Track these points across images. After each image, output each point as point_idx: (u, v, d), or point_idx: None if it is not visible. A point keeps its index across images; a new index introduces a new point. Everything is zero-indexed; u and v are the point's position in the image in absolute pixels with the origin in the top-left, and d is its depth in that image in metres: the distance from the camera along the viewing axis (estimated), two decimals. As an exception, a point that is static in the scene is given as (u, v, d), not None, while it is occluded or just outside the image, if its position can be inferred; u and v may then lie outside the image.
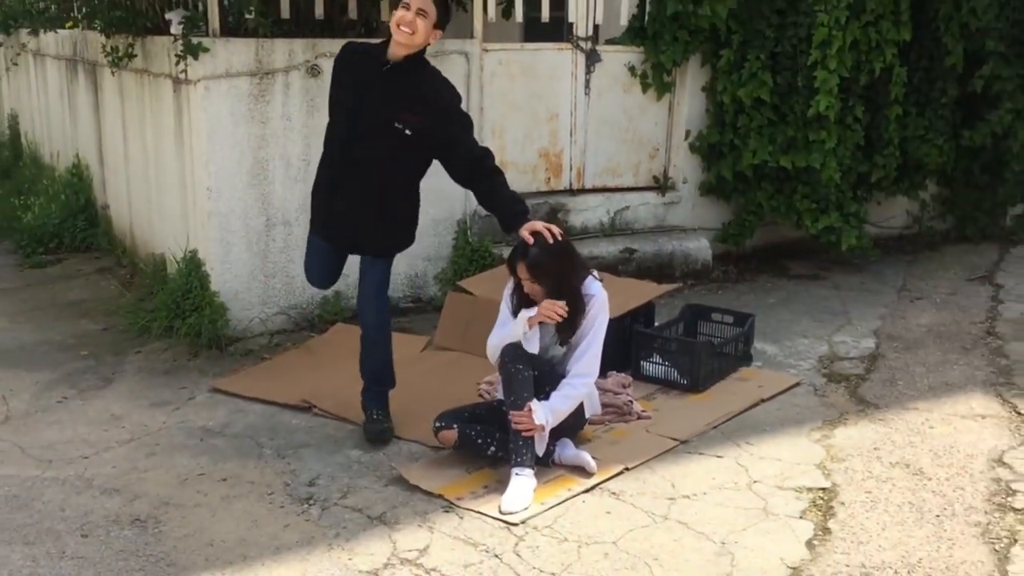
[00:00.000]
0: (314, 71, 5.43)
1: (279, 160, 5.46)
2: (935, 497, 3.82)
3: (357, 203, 4.10)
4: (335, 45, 5.44)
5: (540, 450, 3.90)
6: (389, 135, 4.00)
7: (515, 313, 4.07)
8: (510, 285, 4.14)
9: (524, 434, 3.83)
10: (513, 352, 3.92)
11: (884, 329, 5.85)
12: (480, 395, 4.70)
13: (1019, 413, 4.61)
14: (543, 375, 3.97)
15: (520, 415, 3.82)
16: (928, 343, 5.61)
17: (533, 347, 3.95)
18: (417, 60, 4.02)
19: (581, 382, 3.99)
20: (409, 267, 6.01)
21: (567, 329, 4.01)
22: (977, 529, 3.58)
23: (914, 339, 5.67)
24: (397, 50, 3.94)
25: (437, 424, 4.02)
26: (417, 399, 4.64)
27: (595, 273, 4.15)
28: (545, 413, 3.84)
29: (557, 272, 3.97)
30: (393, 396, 4.62)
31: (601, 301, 4.06)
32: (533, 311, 3.94)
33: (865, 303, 6.35)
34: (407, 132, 3.99)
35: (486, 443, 3.97)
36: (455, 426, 3.99)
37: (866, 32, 6.51)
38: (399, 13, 3.90)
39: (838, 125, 6.54)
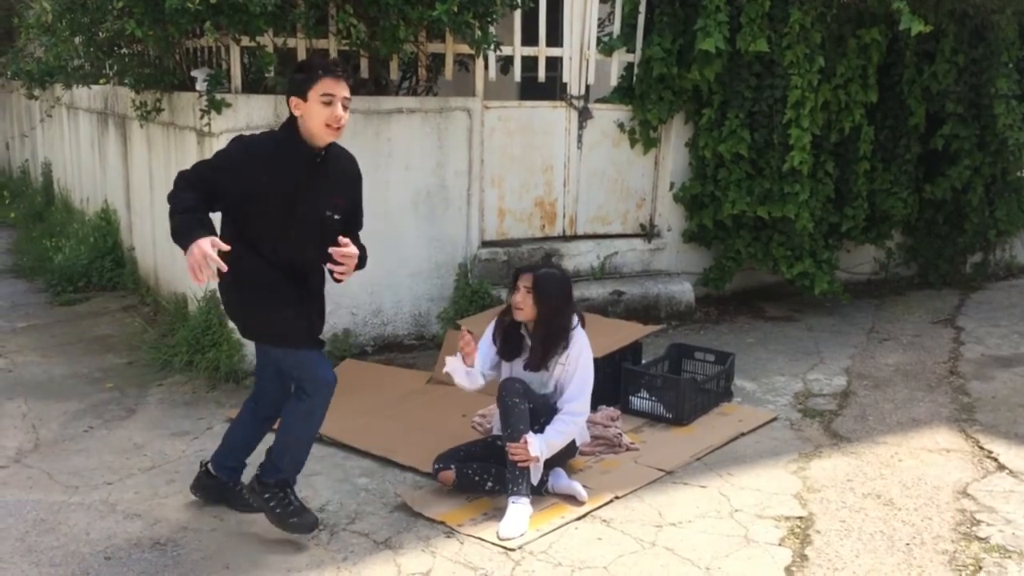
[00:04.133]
0: (328, 125, 5.45)
1: (294, 207, 5.46)
2: (905, 526, 3.79)
3: (310, 296, 3.61)
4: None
5: (535, 479, 3.87)
6: (321, 226, 3.50)
7: (501, 352, 4.06)
8: (493, 325, 4.14)
9: (520, 465, 3.81)
10: (511, 387, 3.90)
11: (855, 368, 5.84)
12: (474, 427, 4.68)
13: (981, 447, 4.59)
14: (538, 408, 3.95)
15: (517, 447, 3.80)
16: (896, 381, 5.60)
17: (476, 382, 3.99)
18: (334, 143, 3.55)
19: (572, 419, 3.97)
20: (413, 307, 6.01)
21: (539, 358, 3.99)
22: (944, 557, 3.56)
23: (883, 377, 5.66)
24: (326, 139, 3.41)
25: (436, 466, 4.00)
26: (418, 429, 4.64)
27: (577, 318, 4.11)
28: (540, 445, 3.82)
29: (557, 298, 3.96)
30: (396, 426, 4.59)
31: (582, 343, 4.04)
32: (457, 357, 3.94)
33: (837, 343, 6.35)
34: (336, 217, 3.54)
35: (483, 479, 3.94)
36: (452, 467, 3.97)
37: (836, 94, 6.59)
38: (331, 112, 3.34)
39: (811, 179, 6.58)
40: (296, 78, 3.44)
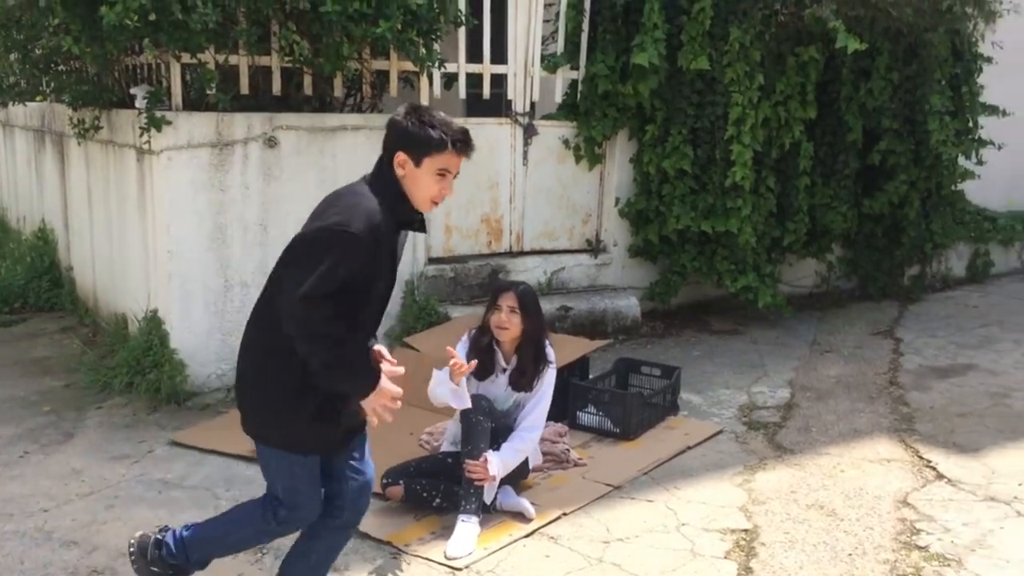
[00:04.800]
0: (271, 142, 5.41)
1: (237, 225, 5.41)
2: (847, 537, 3.85)
3: None
4: (292, 119, 5.50)
5: (488, 498, 3.87)
6: None
7: (476, 372, 4.05)
8: (465, 339, 4.13)
9: (476, 483, 3.79)
10: (477, 404, 3.91)
11: (798, 380, 5.93)
12: (421, 445, 4.65)
13: (921, 457, 4.68)
14: (498, 427, 3.97)
15: (475, 465, 3.79)
16: (838, 393, 5.69)
17: (464, 402, 3.91)
18: None
19: (530, 436, 4.01)
20: (360, 325, 5.95)
21: (523, 381, 4.02)
22: (886, 566, 3.61)
23: (825, 389, 5.75)
24: (423, 210, 2.92)
25: (384, 480, 3.97)
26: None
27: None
28: (498, 464, 3.82)
29: (536, 315, 4.04)
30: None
31: (554, 365, 4.13)
32: (444, 372, 3.84)
33: (780, 356, 6.43)
34: None
35: (431, 496, 3.92)
36: (401, 482, 3.95)
37: (776, 111, 6.70)
38: (441, 188, 2.88)
39: (753, 194, 6.68)
40: (414, 133, 2.81)
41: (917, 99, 7.24)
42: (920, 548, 3.75)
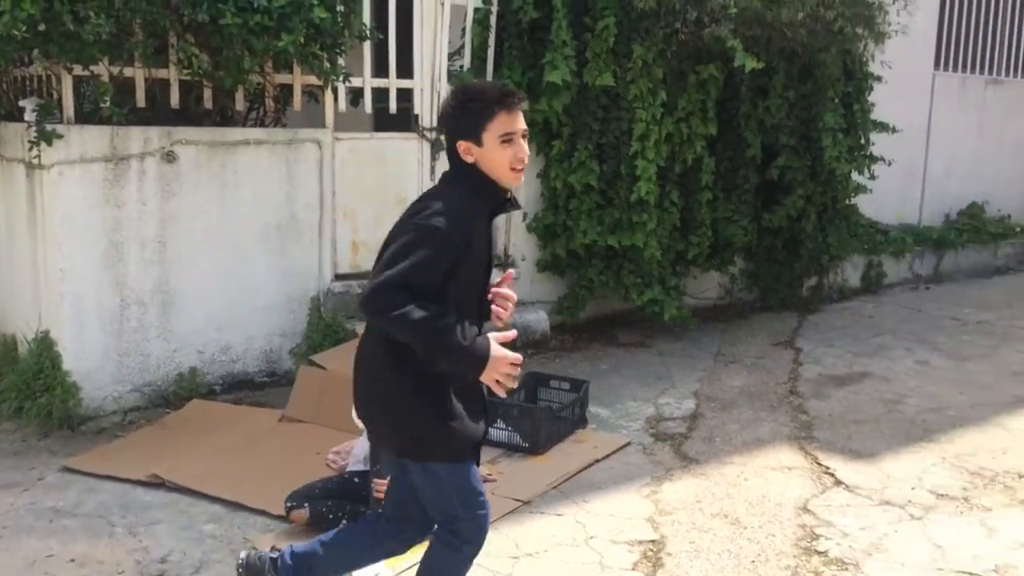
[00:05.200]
0: (169, 157, 5.28)
1: (134, 242, 5.24)
2: (751, 544, 3.92)
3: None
4: (190, 133, 5.37)
5: (393, 517, 3.81)
6: None
7: None
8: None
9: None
10: None
11: (703, 391, 6.04)
12: (328, 464, 4.57)
13: (820, 464, 4.82)
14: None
15: (383, 483, 3.73)
16: (741, 402, 5.81)
17: None
18: None
19: None
20: (265, 342, 5.84)
21: None
22: (787, 572, 3.69)
23: (729, 399, 5.87)
24: (510, 184, 2.87)
25: (288, 504, 3.89)
26: (270, 470, 4.49)
27: None
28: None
29: None
30: (246, 468, 4.43)
31: None
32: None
33: (686, 367, 6.54)
34: None
35: (338, 517, 3.85)
36: (306, 505, 3.88)
37: (678, 127, 6.84)
38: (514, 151, 2.80)
39: (657, 208, 6.79)
40: (458, 118, 2.78)
41: (812, 116, 7.48)
42: (820, 553, 3.85)
